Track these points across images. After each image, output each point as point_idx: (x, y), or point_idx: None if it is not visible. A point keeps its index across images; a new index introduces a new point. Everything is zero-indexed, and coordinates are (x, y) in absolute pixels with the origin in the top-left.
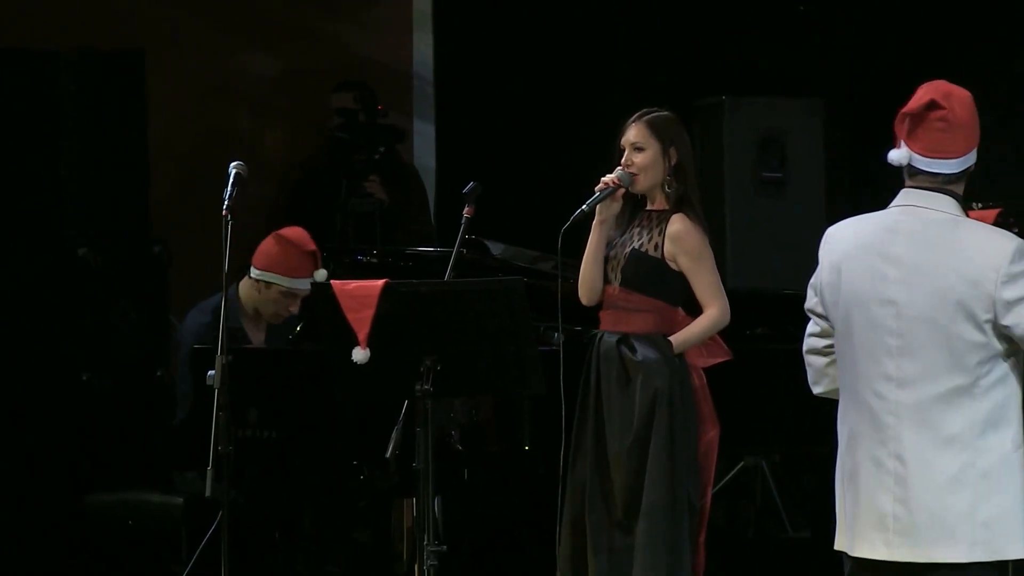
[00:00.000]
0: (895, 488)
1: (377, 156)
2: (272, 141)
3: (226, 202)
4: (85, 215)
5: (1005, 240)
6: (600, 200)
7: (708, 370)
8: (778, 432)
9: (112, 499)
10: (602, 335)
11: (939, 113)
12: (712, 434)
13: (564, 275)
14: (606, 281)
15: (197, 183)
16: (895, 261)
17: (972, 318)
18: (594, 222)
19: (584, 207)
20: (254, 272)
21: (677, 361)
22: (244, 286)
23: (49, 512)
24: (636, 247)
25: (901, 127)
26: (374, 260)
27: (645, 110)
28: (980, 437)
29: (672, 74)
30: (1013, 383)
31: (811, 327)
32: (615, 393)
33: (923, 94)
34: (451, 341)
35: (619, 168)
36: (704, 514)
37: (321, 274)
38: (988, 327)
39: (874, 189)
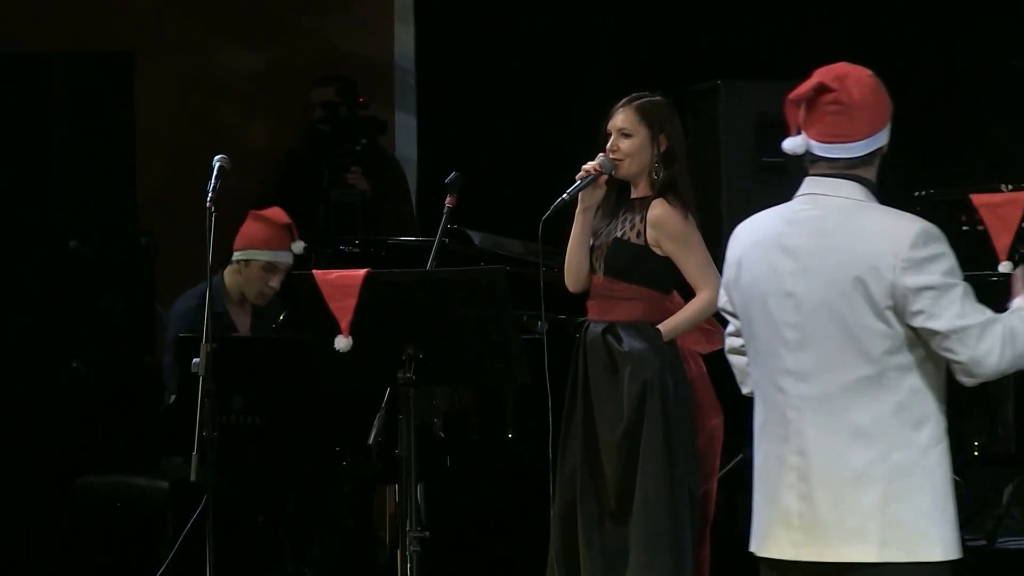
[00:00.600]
0: (798, 484)
1: (359, 148)
2: (256, 135)
3: (210, 194)
4: (75, 209)
5: (907, 223)
6: (581, 188)
7: (706, 359)
8: None
9: (101, 482)
10: (588, 324)
11: (830, 96)
12: (715, 422)
13: (547, 264)
14: (592, 271)
15: (183, 177)
16: (793, 252)
17: (873, 306)
18: (577, 209)
19: (565, 195)
20: (235, 255)
21: (667, 349)
22: (227, 272)
23: (40, 494)
24: (619, 236)
25: (793, 114)
26: (356, 250)
27: (635, 95)
28: (891, 430)
29: (663, 59)
30: (928, 372)
31: (729, 327)
32: (603, 383)
33: (813, 78)
34: (433, 330)
35: (601, 155)
36: (709, 504)
37: (298, 246)
38: (890, 314)
39: (887, 175)
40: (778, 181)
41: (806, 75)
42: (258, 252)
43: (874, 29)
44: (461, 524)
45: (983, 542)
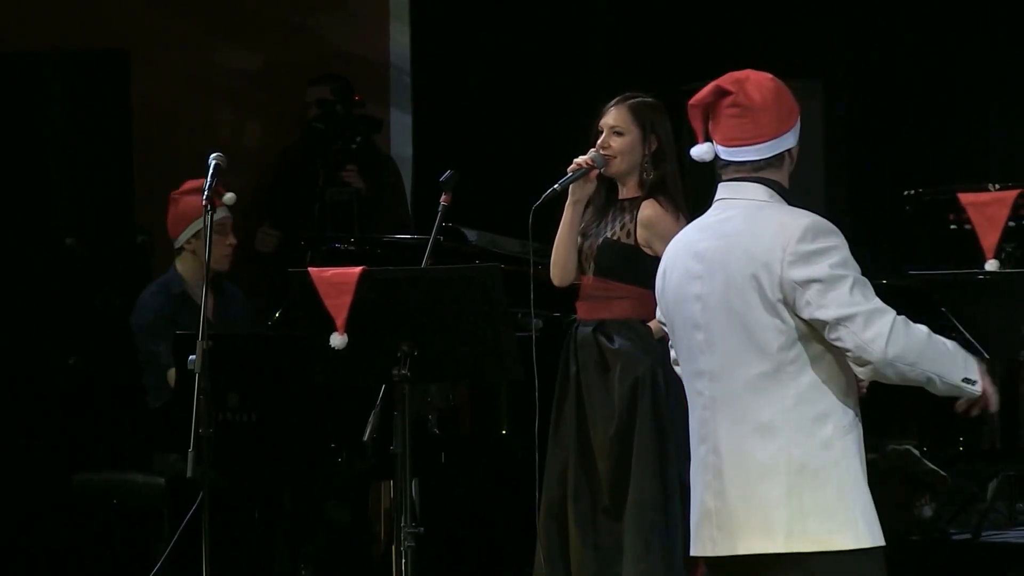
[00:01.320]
0: (713, 482)
1: (354, 146)
2: (252, 133)
3: (206, 192)
4: (71, 207)
5: (797, 218)
6: (572, 181)
7: None
8: None
9: (98, 479)
10: (578, 324)
11: (728, 100)
12: None
13: (541, 261)
14: (581, 272)
15: (179, 174)
16: (700, 257)
17: (765, 301)
18: (567, 202)
19: (556, 186)
20: (179, 240)
21: (658, 346)
22: (178, 261)
23: (38, 490)
24: (608, 236)
25: (697, 121)
26: (351, 248)
27: (628, 94)
28: (792, 423)
29: (658, 58)
30: (828, 366)
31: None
32: (594, 382)
33: (711, 83)
34: (428, 327)
35: (593, 150)
36: None
37: (229, 197)
38: (782, 308)
39: (876, 173)
40: None
41: (806, 72)
42: (199, 221)
43: (868, 29)
44: (456, 520)
45: (968, 536)
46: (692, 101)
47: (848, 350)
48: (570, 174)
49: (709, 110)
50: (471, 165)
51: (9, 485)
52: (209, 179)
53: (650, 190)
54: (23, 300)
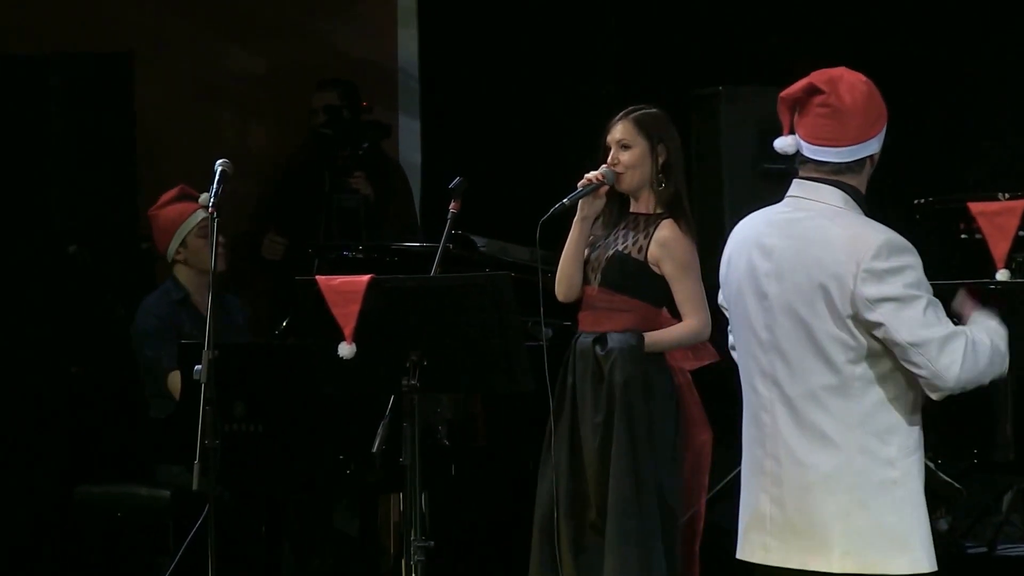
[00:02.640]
0: (772, 488)
1: (361, 152)
2: (258, 139)
3: (212, 199)
4: (74, 213)
5: (873, 233)
6: (582, 196)
7: (702, 373)
8: None
9: (100, 491)
10: (580, 335)
11: (820, 98)
12: (703, 438)
13: (549, 269)
14: (585, 282)
15: (184, 180)
16: (769, 253)
17: (835, 314)
18: (576, 218)
19: (565, 200)
20: (169, 251)
21: (648, 356)
22: (176, 271)
23: (38, 504)
24: (619, 249)
25: (785, 113)
26: (359, 256)
27: (632, 107)
28: (856, 440)
29: (665, 64)
30: (896, 384)
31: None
32: (589, 394)
33: (806, 79)
34: (437, 336)
35: (604, 166)
36: (699, 521)
37: (204, 197)
38: (852, 323)
39: (882, 178)
40: (780, 187)
41: None
42: (183, 227)
43: (876, 37)
44: (466, 533)
45: (983, 549)
46: (783, 94)
47: (922, 376)
48: (580, 189)
49: (798, 105)
50: (481, 171)
51: (9, 498)
52: (215, 186)
53: (667, 206)
54: (24, 308)
